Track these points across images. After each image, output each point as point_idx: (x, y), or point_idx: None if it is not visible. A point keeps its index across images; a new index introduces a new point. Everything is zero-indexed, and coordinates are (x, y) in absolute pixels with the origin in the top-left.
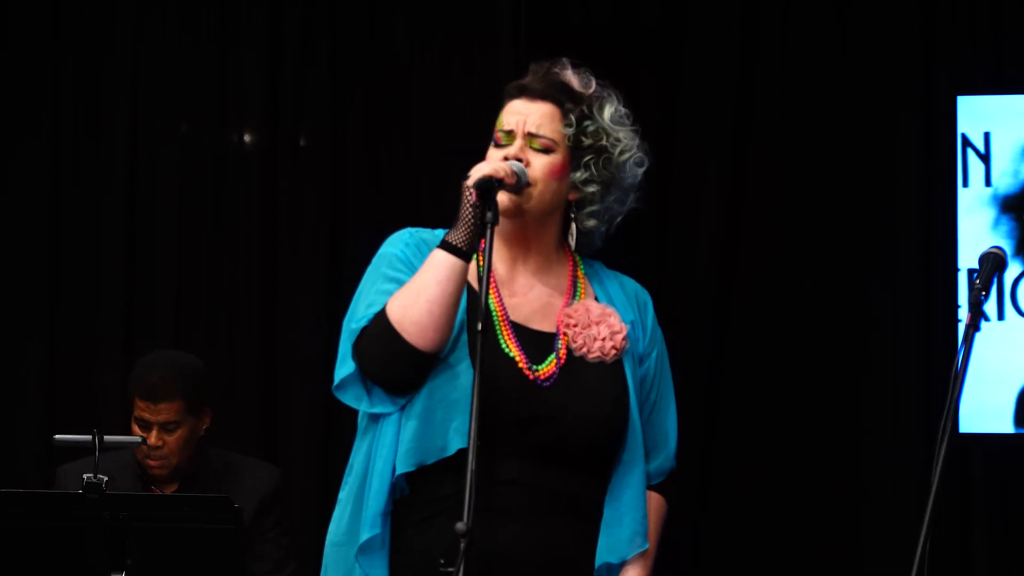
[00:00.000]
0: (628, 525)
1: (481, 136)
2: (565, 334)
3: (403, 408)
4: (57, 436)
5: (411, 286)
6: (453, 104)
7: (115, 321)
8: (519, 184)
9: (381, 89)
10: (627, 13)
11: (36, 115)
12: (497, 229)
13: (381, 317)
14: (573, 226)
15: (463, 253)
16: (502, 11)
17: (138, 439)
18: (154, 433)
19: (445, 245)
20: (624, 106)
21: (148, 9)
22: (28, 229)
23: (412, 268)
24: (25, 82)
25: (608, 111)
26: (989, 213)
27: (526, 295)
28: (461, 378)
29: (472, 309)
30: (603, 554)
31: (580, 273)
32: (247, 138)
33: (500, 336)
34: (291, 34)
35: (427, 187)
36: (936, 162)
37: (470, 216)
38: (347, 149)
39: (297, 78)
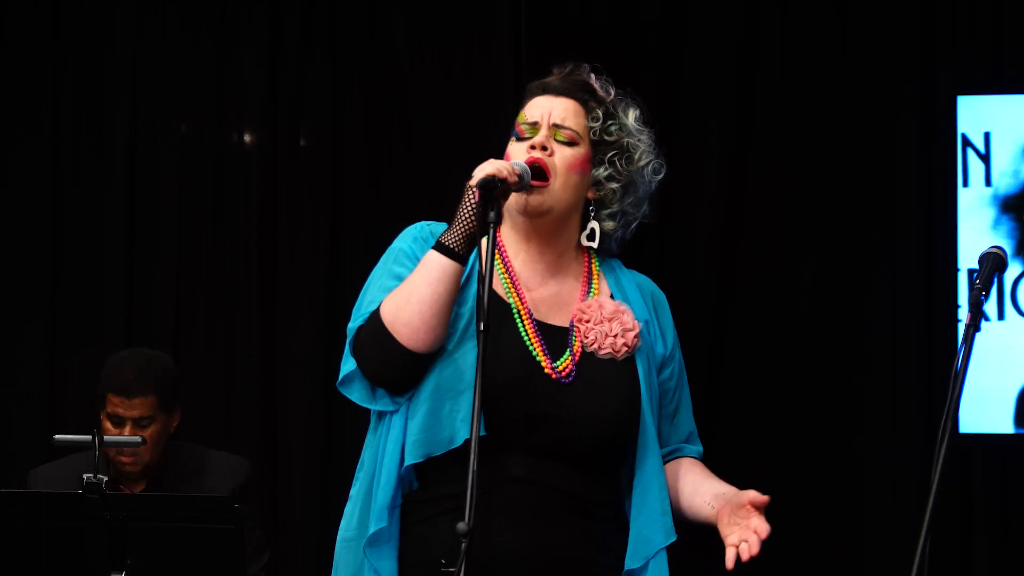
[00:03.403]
0: (658, 520)
1: (481, 136)
2: (578, 328)
3: (410, 400)
4: (57, 436)
5: (404, 287)
6: (453, 104)
7: (115, 321)
8: (523, 183)
9: (381, 89)
10: (627, 12)
11: (36, 115)
12: (517, 225)
13: (375, 317)
14: (593, 223)
15: (455, 254)
16: (502, 11)
17: (138, 439)
18: (127, 429)
19: (438, 246)
20: (643, 116)
21: (148, 9)
22: (28, 229)
23: (417, 263)
24: (25, 82)
25: (632, 114)
26: (989, 213)
27: (540, 290)
28: (468, 370)
29: (487, 304)
30: (631, 560)
31: (595, 269)
32: (247, 138)
33: (524, 333)
34: (291, 34)
35: (427, 187)
36: (936, 162)
37: (466, 217)
38: (347, 149)
39: (297, 78)
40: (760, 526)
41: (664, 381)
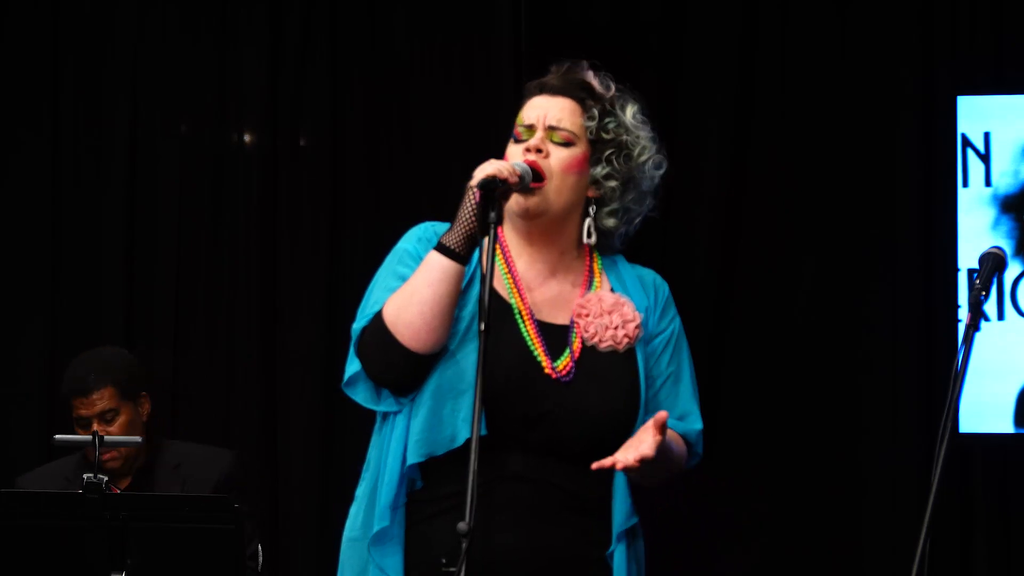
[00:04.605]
0: (622, 503)
1: (481, 136)
2: (577, 323)
3: (413, 400)
4: (57, 436)
5: (405, 288)
6: (453, 104)
7: (115, 321)
8: (523, 183)
9: (381, 89)
10: (627, 12)
11: (36, 115)
12: (517, 226)
13: (378, 318)
14: (589, 220)
15: (456, 255)
16: (502, 11)
17: (138, 439)
18: (95, 428)
19: (439, 247)
20: (643, 111)
21: (148, 9)
22: (28, 229)
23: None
24: (25, 82)
25: (630, 110)
26: (989, 213)
27: (542, 289)
28: (470, 370)
29: (487, 304)
30: (613, 543)
31: (596, 267)
32: (247, 138)
33: (525, 333)
34: (291, 34)
35: (427, 187)
36: (936, 162)
37: (466, 217)
38: (347, 149)
39: (297, 78)
40: (644, 450)
41: (647, 356)
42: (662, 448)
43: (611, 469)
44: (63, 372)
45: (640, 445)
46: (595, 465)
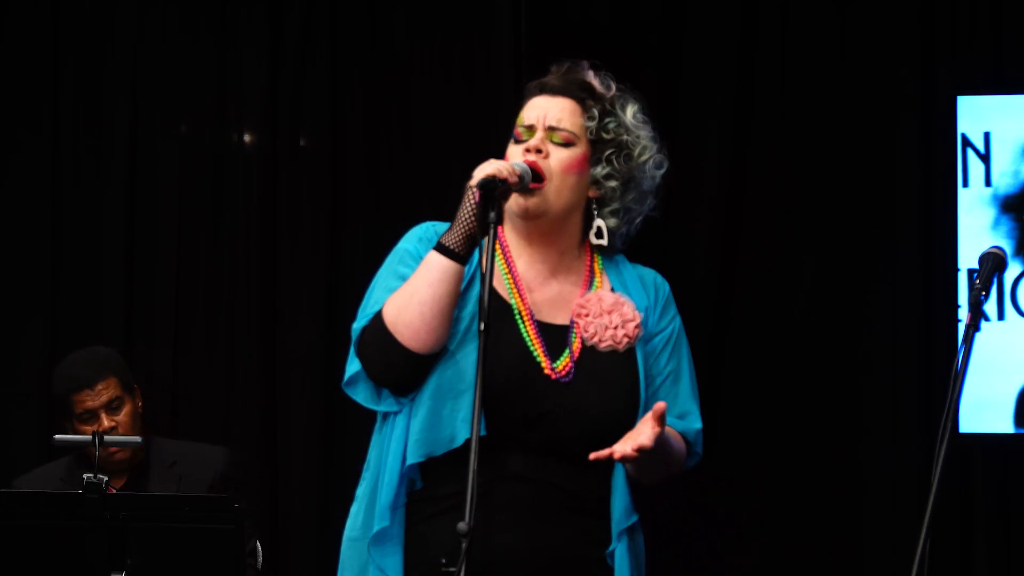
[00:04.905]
0: (621, 500)
1: (481, 136)
2: (577, 323)
3: (413, 400)
4: (57, 436)
5: (405, 288)
6: (453, 104)
7: (115, 321)
8: (523, 183)
9: (381, 89)
10: (627, 12)
11: (36, 115)
12: (517, 226)
13: (378, 318)
14: (598, 221)
15: (456, 255)
16: (502, 11)
17: (138, 439)
18: (103, 418)
19: (439, 247)
20: (643, 111)
21: (148, 9)
22: (28, 229)
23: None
24: (25, 82)
25: (630, 110)
26: (989, 213)
27: (542, 289)
28: (469, 370)
29: (487, 304)
30: (613, 542)
31: (597, 267)
32: (247, 138)
33: (525, 334)
34: (291, 34)
35: (427, 187)
36: (936, 162)
37: (466, 217)
38: (347, 149)
39: (297, 78)
40: (643, 440)
41: (647, 355)
42: (660, 440)
43: (610, 466)
44: (52, 380)
45: (639, 436)
46: (593, 456)
